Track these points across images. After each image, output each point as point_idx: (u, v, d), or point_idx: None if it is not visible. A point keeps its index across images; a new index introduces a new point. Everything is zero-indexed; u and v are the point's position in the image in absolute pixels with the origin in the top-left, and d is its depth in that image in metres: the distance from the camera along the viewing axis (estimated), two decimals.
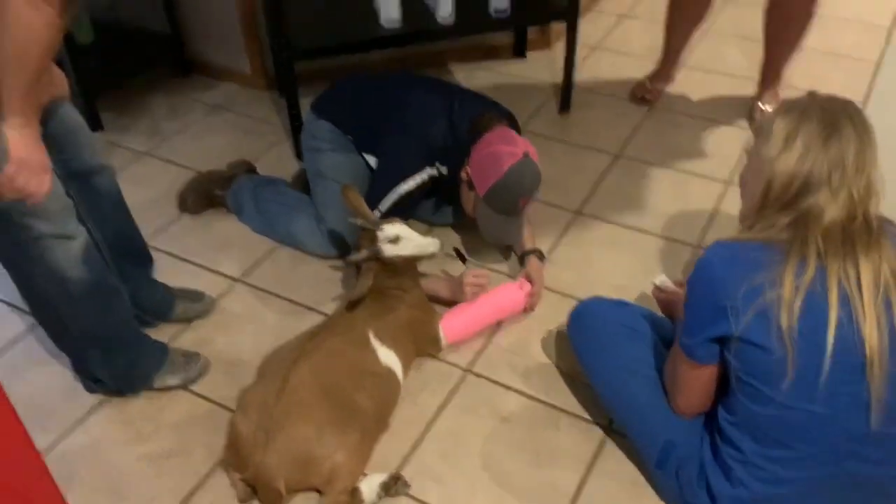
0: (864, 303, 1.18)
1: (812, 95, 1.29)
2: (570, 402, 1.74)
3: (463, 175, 1.89)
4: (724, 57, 3.02)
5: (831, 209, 1.21)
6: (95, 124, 2.63)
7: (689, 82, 2.88)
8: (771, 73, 2.59)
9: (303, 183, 2.23)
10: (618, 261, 2.11)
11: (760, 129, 1.30)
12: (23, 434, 0.97)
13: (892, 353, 1.18)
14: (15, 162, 1.33)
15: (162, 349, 1.78)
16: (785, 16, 2.44)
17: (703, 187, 2.36)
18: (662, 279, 1.75)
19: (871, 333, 1.17)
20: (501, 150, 1.81)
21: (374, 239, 1.67)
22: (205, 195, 2.27)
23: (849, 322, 1.18)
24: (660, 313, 1.71)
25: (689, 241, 2.17)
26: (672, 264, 2.08)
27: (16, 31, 1.21)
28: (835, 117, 1.22)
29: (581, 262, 2.11)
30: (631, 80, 2.87)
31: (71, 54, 2.44)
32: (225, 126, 2.70)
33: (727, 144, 2.55)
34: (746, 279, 1.20)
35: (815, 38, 2.59)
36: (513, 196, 1.82)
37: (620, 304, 1.69)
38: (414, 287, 1.79)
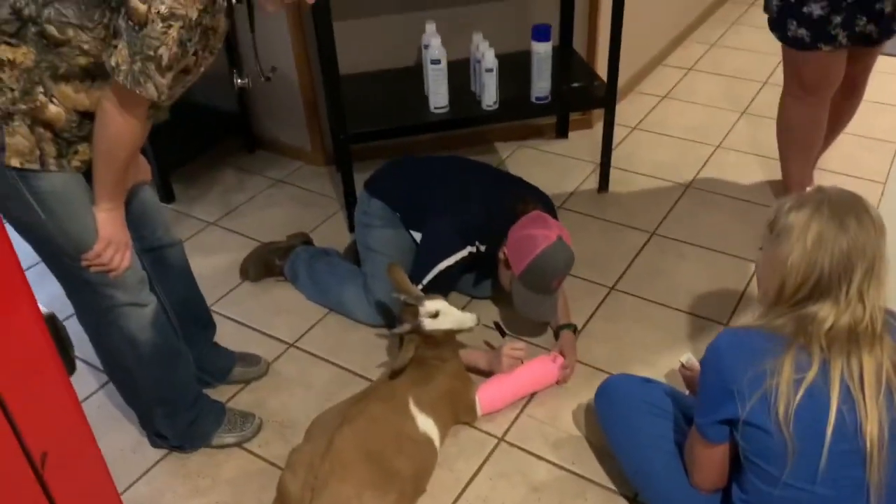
0: (867, 398, 1.26)
1: (821, 191, 1.37)
2: (598, 473, 1.83)
3: (501, 255, 2.04)
4: (758, 139, 3.13)
5: (838, 315, 1.29)
6: (168, 196, 2.88)
7: (724, 164, 3.00)
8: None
9: (354, 254, 2.41)
10: (649, 337, 2.21)
11: (774, 227, 1.38)
12: (112, 486, 1.12)
13: (892, 443, 1.26)
14: (103, 240, 1.54)
15: (220, 409, 1.94)
16: (832, 121, 2.54)
17: (735, 267, 2.46)
18: (688, 357, 1.84)
19: (873, 427, 1.26)
20: (536, 234, 1.96)
21: (415, 314, 1.82)
22: (264, 265, 2.47)
23: (850, 414, 1.26)
24: (685, 391, 1.80)
25: (720, 320, 2.26)
26: (701, 342, 2.17)
27: (108, 135, 1.43)
28: (845, 214, 1.29)
29: (613, 337, 2.21)
30: (669, 161, 3.00)
31: (149, 134, 2.70)
32: (285, 199, 2.92)
33: (760, 225, 2.64)
34: (752, 366, 1.30)
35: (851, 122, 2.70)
36: (546, 276, 1.96)
37: (645, 382, 1.79)
38: (453, 358, 1.92)
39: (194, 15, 1.31)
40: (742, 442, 1.36)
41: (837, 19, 2.18)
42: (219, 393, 2.04)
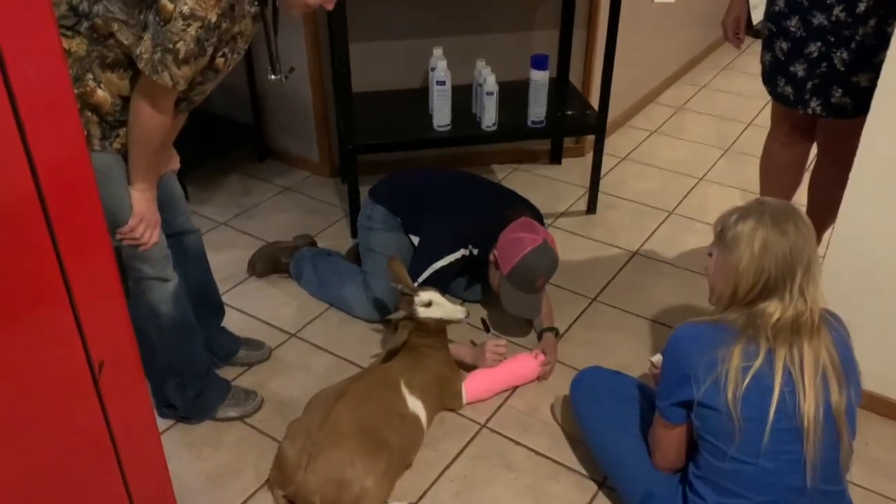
0: (805, 383, 1.44)
1: (761, 202, 1.55)
2: (571, 459, 1.99)
3: (491, 257, 2.23)
4: (740, 175, 3.34)
5: (784, 310, 1.47)
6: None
7: (706, 195, 3.21)
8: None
9: (355, 256, 2.60)
10: (625, 343, 2.38)
11: (723, 237, 1.55)
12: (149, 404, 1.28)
13: (826, 421, 1.44)
14: (137, 216, 1.72)
15: (226, 385, 2.11)
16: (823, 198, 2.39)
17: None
18: (658, 358, 2.01)
19: (810, 407, 1.44)
20: (524, 236, 2.14)
21: (410, 302, 1.99)
22: (271, 262, 2.64)
23: (790, 396, 1.44)
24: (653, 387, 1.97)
25: None
26: None
27: (140, 123, 1.63)
28: (784, 222, 1.48)
29: (592, 342, 2.39)
30: (654, 189, 3.21)
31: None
32: (292, 205, 3.10)
33: None
34: (706, 354, 1.48)
35: None
36: (531, 275, 2.14)
37: (616, 374, 1.97)
38: (443, 348, 2.09)
39: (213, 18, 1.49)
40: (696, 421, 1.53)
41: (810, 85, 2.17)
42: (225, 373, 2.20)
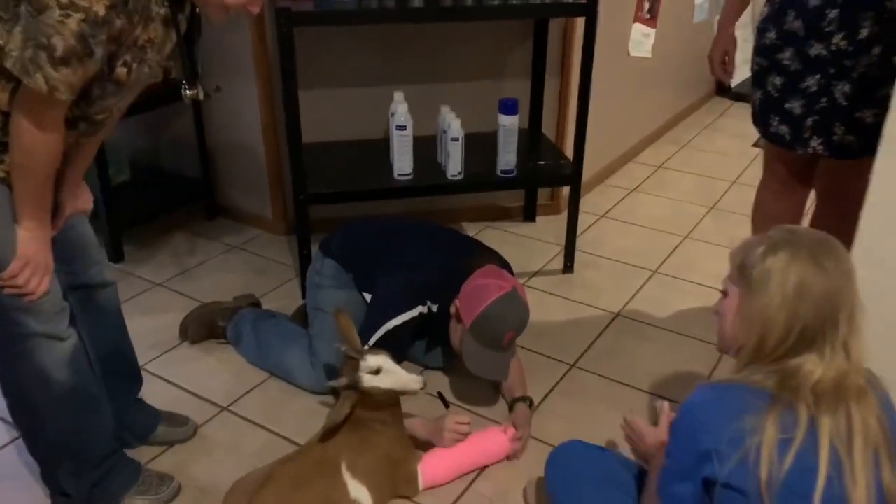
0: (855, 461, 1.13)
1: (792, 231, 1.26)
2: None
3: (452, 309, 1.93)
4: (727, 232, 3.11)
5: (825, 369, 1.17)
6: (118, 256, 2.76)
7: (692, 253, 2.96)
8: None
9: (302, 318, 2.29)
10: (607, 415, 2.06)
11: (745, 273, 1.25)
12: None
13: None
14: (21, 259, 1.42)
15: (136, 469, 1.76)
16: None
17: (700, 350, 2.35)
18: (660, 404, 1.67)
19: (861, 493, 1.12)
20: (489, 283, 1.86)
21: (356, 367, 1.69)
22: (206, 325, 2.33)
23: (838, 479, 1.12)
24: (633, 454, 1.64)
25: (681, 401, 2.13)
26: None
27: (22, 145, 1.34)
28: (823, 256, 1.19)
29: (571, 414, 2.07)
30: (635, 248, 2.96)
31: (105, 191, 2.62)
32: (240, 264, 2.81)
33: None
34: (731, 423, 1.15)
35: None
36: (498, 328, 1.84)
37: (599, 449, 1.65)
38: (395, 423, 1.77)
39: (101, 11, 1.22)
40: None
41: (809, 122, 1.97)
42: (140, 454, 1.86)
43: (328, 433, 1.68)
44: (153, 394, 2.03)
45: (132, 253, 2.83)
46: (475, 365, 1.92)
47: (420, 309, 1.95)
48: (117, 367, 1.85)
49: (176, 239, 2.98)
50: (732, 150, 4.01)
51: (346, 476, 1.63)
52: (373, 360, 1.70)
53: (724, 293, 1.32)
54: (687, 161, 3.89)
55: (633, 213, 3.29)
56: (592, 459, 1.60)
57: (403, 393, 1.74)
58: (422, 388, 1.71)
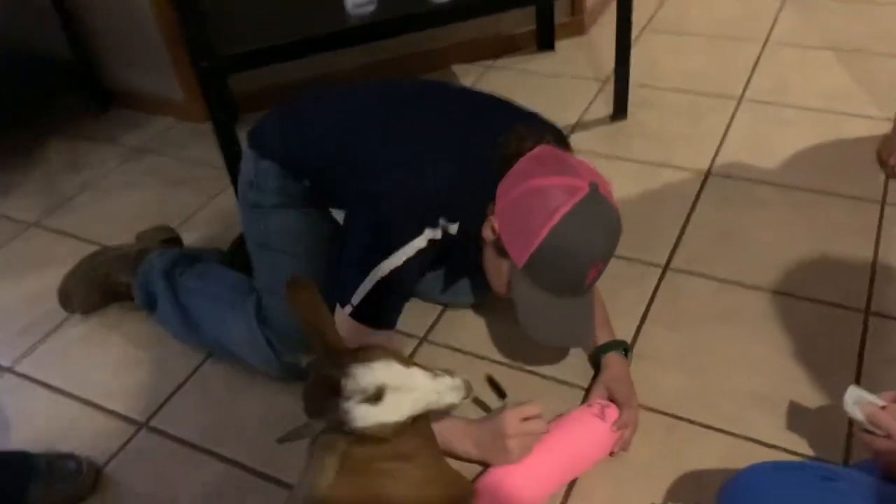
0: None
1: None
2: None
3: (487, 233, 1.11)
4: (816, 23, 2.24)
5: None
6: None
7: (782, 60, 2.11)
8: None
9: (244, 255, 1.46)
10: (744, 343, 1.31)
11: None
12: None
13: None
14: None
15: None
16: None
17: (848, 219, 1.58)
18: (859, 396, 0.99)
19: None
20: (550, 186, 1.03)
21: (336, 390, 0.87)
22: (99, 286, 1.51)
23: None
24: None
25: (858, 307, 1.38)
26: (827, 335, 1.29)
27: None
28: None
29: (686, 351, 1.32)
30: (702, 68, 2.10)
31: None
32: (148, 176, 1.95)
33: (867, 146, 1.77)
34: None
35: None
36: (576, 263, 1.04)
37: (798, 470, 0.91)
38: (421, 451, 0.98)
39: None
40: None
41: None
42: None
43: None
44: (25, 413, 1.26)
45: None
46: (538, 324, 1.11)
47: (429, 234, 1.12)
48: None
49: (52, 148, 2.09)
50: None
51: None
52: (367, 374, 0.87)
53: None
54: None
55: (686, 20, 2.40)
56: (793, 491, 0.86)
57: (435, 410, 0.94)
58: (466, 398, 0.92)
